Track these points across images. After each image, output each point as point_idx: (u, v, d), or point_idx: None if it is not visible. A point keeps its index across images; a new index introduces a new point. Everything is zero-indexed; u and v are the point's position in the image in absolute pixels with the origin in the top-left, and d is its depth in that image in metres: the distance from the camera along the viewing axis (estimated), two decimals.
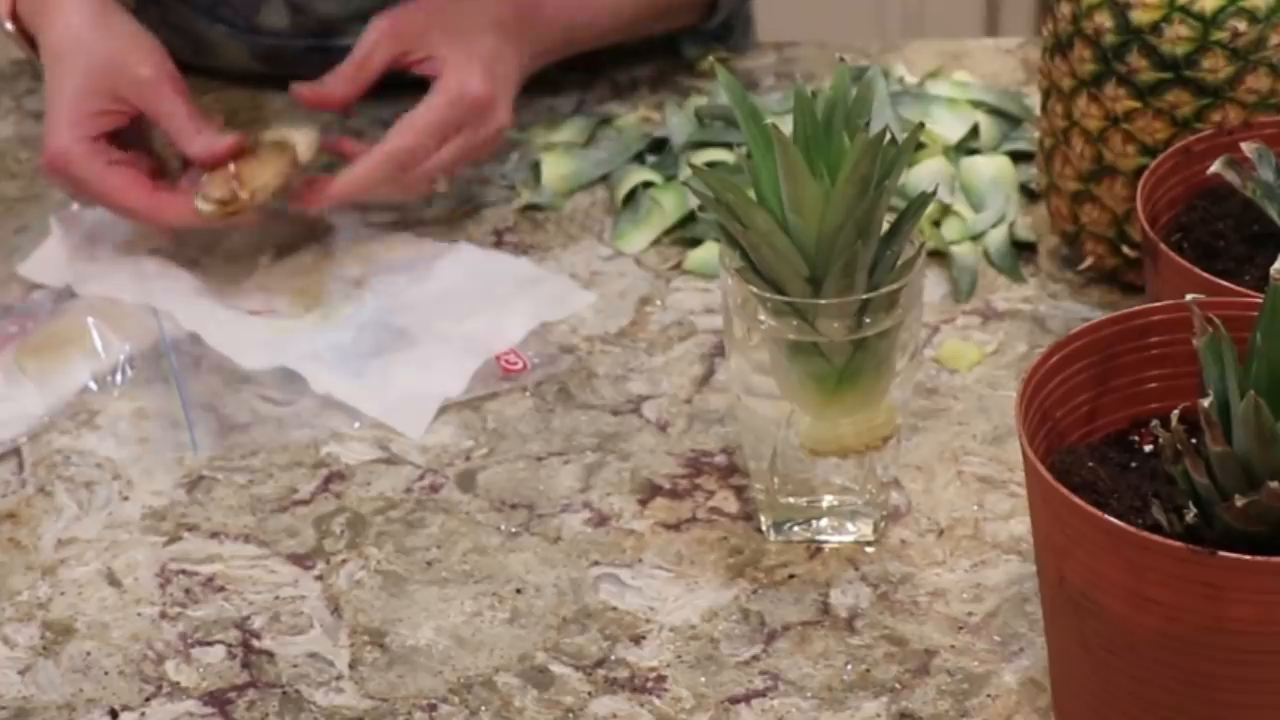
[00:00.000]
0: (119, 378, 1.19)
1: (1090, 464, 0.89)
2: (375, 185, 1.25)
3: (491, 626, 1.00)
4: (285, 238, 1.30)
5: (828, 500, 1.04)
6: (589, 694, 0.96)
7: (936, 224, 1.27)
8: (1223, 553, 0.78)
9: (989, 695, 0.95)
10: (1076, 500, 0.82)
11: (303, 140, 1.25)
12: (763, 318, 0.98)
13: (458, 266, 1.27)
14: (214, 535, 1.07)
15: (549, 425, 1.14)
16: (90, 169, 1.23)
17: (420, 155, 1.25)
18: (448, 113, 1.25)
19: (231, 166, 1.22)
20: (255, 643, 1.00)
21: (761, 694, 0.96)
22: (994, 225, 1.27)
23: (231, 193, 1.20)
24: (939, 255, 1.25)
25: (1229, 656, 0.81)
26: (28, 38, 1.31)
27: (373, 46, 1.29)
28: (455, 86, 1.26)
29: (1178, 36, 1.12)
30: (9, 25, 1.31)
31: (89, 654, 1.00)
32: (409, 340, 1.20)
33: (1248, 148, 1.04)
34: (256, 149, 1.24)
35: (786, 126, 0.94)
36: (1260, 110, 1.13)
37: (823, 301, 0.96)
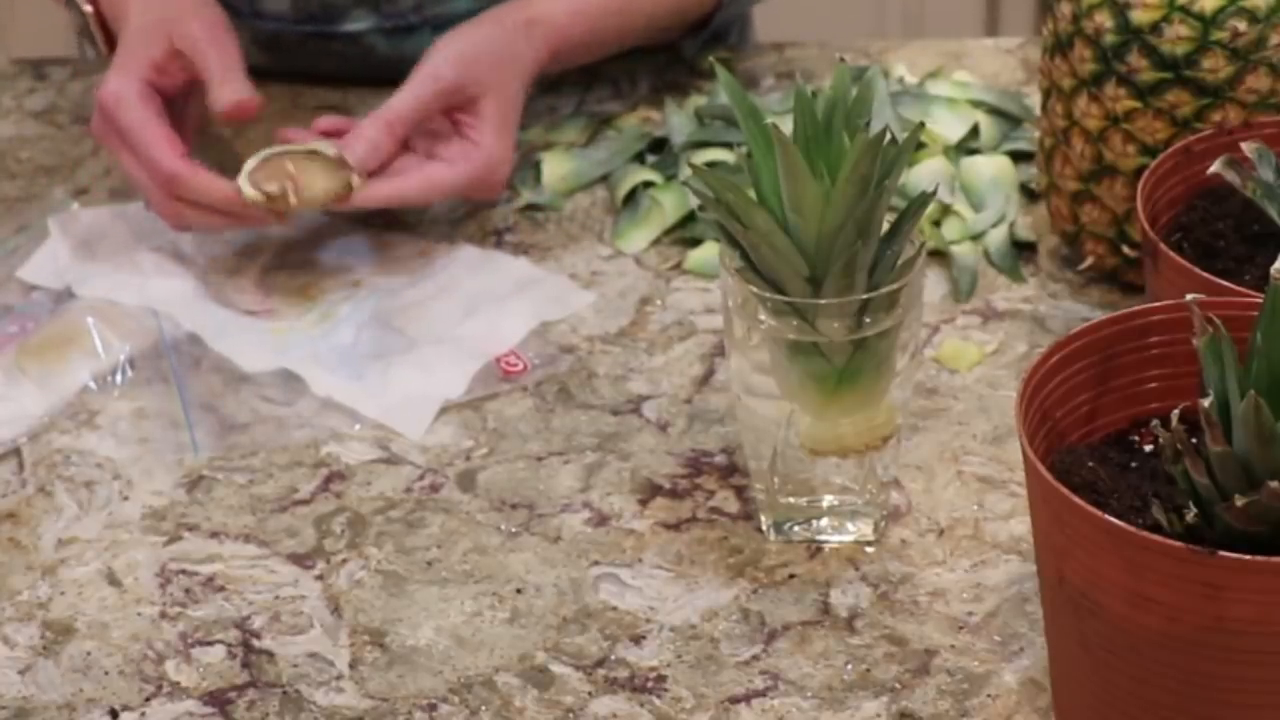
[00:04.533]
0: (119, 378, 1.19)
1: (1090, 464, 0.89)
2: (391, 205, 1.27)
3: (491, 626, 1.00)
4: (284, 238, 1.30)
5: (828, 500, 1.04)
6: (589, 694, 0.96)
7: (936, 224, 1.27)
8: (1223, 553, 0.79)
9: (989, 695, 0.95)
10: (1076, 500, 0.82)
11: (356, 171, 1.25)
12: (763, 318, 0.98)
13: (457, 266, 1.27)
14: (214, 535, 1.07)
15: (549, 425, 1.14)
16: (137, 113, 1.22)
17: (429, 201, 1.28)
18: (474, 177, 1.26)
19: (290, 167, 1.21)
20: (255, 643, 1.00)
21: (761, 694, 0.96)
22: (994, 225, 1.27)
23: (283, 191, 1.20)
24: (939, 255, 1.25)
25: (1229, 656, 0.81)
26: (103, 23, 1.32)
27: (425, 100, 1.27)
28: (491, 159, 1.26)
29: (1178, 36, 1.12)
30: (87, 6, 1.32)
31: (89, 654, 1.00)
32: (409, 341, 1.20)
33: (1248, 148, 1.04)
34: (315, 157, 1.23)
35: (786, 126, 0.94)
36: (1260, 110, 1.13)
37: (823, 301, 0.96)
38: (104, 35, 1.33)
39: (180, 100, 1.27)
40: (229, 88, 1.24)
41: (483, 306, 1.22)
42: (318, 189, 1.21)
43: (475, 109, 1.27)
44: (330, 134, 1.27)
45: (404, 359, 1.18)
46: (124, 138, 1.23)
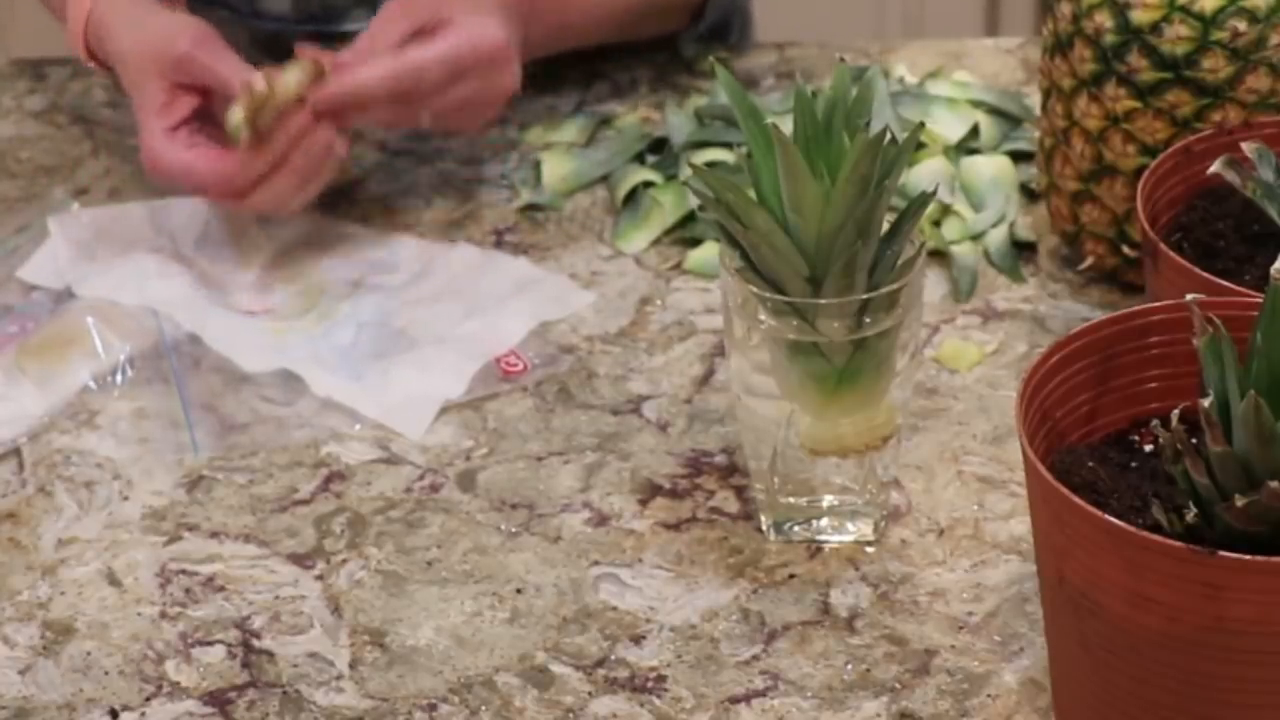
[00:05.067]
0: (119, 378, 1.19)
1: (1090, 464, 0.89)
2: (375, 96, 1.24)
3: (491, 626, 1.00)
4: (284, 238, 1.30)
5: (828, 500, 1.04)
6: (589, 694, 0.96)
7: (936, 224, 1.27)
8: (1223, 553, 0.79)
9: (989, 695, 0.95)
10: (1076, 500, 0.82)
11: (327, 59, 1.25)
12: (763, 318, 0.98)
13: (457, 266, 1.27)
14: (214, 535, 1.07)
15: (549, 425, 1.14)
16: (175, 160, 1.24)
17: (427, 87, 1.24)
18: (461, 52, 1.24)
19: (263, 73, 1.23)
20: (255, 643, 1.00)
21: (761, 694, 0.96)
22: (994, 225, 1.27)
23: (261, 92, 1.21)
24: (939, 255, 1.25)
25: (1229, 656, 0.81)
26: (106, 67, 1.32)
27: (384, 24, 1.27)
28: (472, 30, 1.24)
29: (1178, 36, 1.12)
30: (89, 64, 1.33)
31: (89, 654, 1.00)
32: (409, 341, 1.20)
33: (1248, 148, 1.04)
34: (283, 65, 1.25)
35: (786, 126, 0.94)
36: (1260, 110, 1.13)
37: (823, 301, 0.96)
38: (94, 59, 1.33)
39: (210, 99, 1.28)
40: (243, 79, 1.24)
41: (483, 306, 1.22)
42: (292, 78, 1.23)
43: (446, 23, 1.25)
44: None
45: (404, 359, 1.18)
46: (179, 180, 1.25)
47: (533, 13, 1.32)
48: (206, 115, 1.27)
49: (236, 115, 1.22)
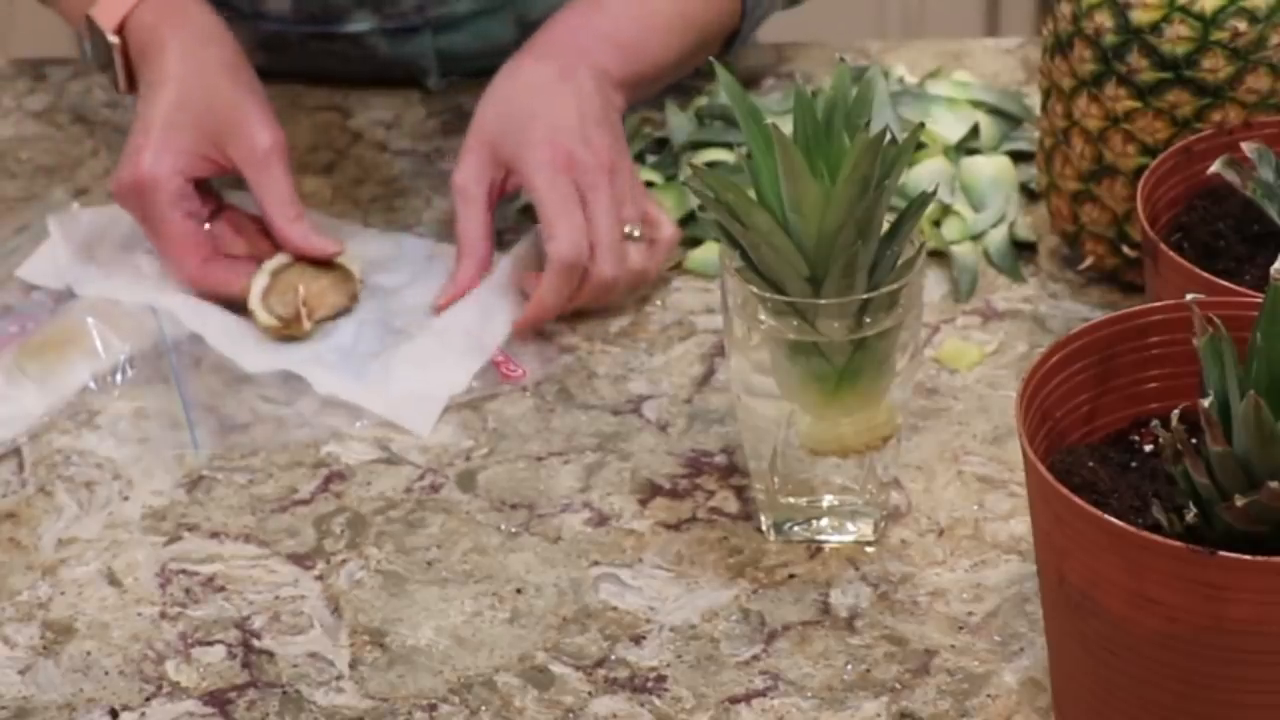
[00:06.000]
0: (119, 378, 1.19)
1: (1090, 464, 0.89)
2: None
3: (491, 626, 1.00)
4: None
5: (828, 500, 1.04)
6: (589, 694, 0.96)
7: (936, 224, 1.27)
8: (1223, 553, 0.79)
9: (989, 695, 0.95)
10: (1076, 500, 0.82)
11: (356, 263, 1.25)
12: (763, 318, 0.98)
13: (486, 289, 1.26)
14: (214, 535, 1.07)
15: (549, 425, 1.14)
16: (169, 211, 1.21)
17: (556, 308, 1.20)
18: (561, 281, 1.19)
19: (301, 290, 1.21)
20: (255, 643, 1.00)
21: (761, 694, 0.96)
22: (994, 225, 1.27)
23: (297, 314, 1.21)
24: (939, 255, 1.25)
25: (1229, 656, 0.81)
26: (125, 57, 1.28)
27: (471, 209, 1.23)
28: (554, 259, 1.18)
29: (1178, 36, 1.12)
30: (113, 38, 1.27)
31: (89, 654, 1.00)
32: (408, 339, 1.20)
33: (1248, 148, 1.04)
34: (322, 269, 1.24)
35: (786, 126, 0.94)
36: (1260, 110, 1.13)
37: (823, 301, 0.96)
38: (126, 73, 1.28)
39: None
40: (297, 229, 1.22)
41: (477, 301, 1.22)
42: (330, 302, 1.23)
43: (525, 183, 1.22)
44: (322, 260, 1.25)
45: (403, 354, 1.18)
46: (146, 220, 1.22)
47: (601, 59, 1.27)
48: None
49: (266, 320, 1.20)
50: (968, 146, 1.33)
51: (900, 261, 0.98)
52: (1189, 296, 0.84)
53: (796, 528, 1.05)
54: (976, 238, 1.27)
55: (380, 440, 1.14)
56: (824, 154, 0.95)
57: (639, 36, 1.30)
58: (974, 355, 1.18)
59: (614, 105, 1.26)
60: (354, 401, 1.15)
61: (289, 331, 1.20)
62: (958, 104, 1.36)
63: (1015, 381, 1.14)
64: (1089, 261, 1.21)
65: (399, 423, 1.14)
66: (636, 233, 1.21)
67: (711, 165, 1.28)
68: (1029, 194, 1.30)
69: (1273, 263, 0.82)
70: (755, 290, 0.97)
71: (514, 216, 1.32)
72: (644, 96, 1.34)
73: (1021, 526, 1.05)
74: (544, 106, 1.22)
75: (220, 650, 1.00)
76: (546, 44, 1.28)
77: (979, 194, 1.29)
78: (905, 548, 1.04)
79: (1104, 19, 1.13)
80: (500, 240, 1.30)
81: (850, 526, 1.05)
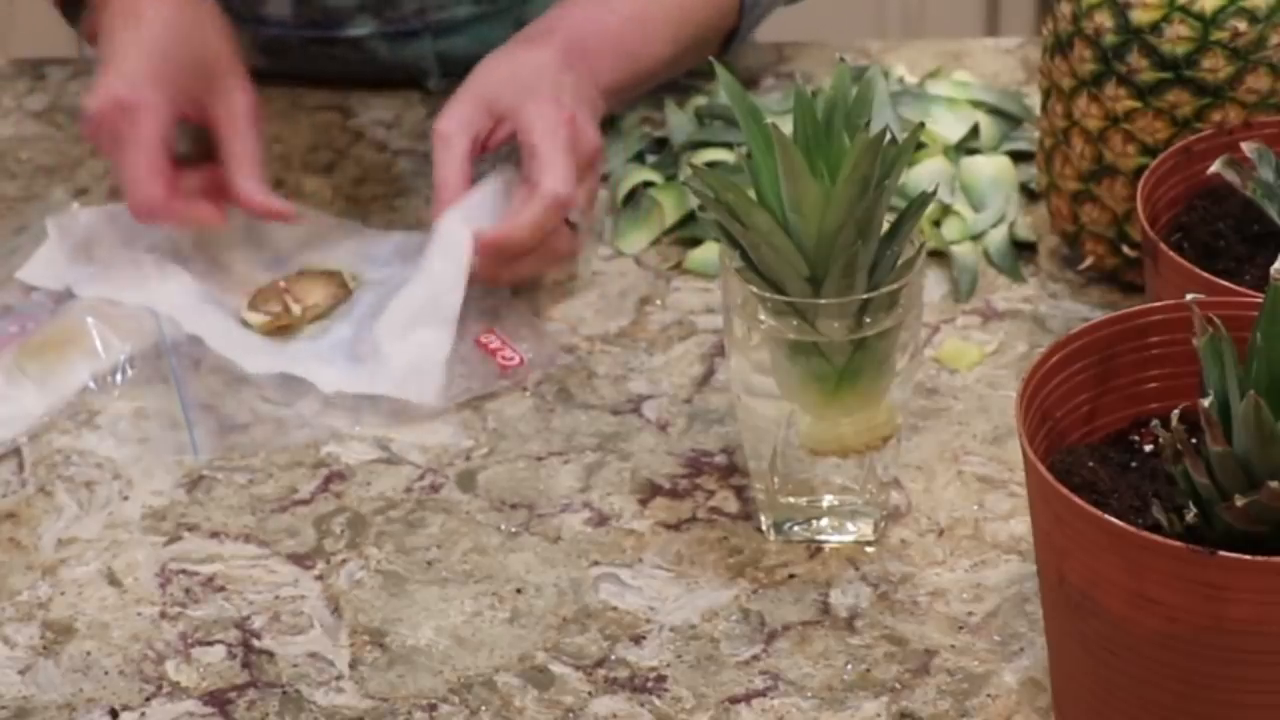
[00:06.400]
0: (119, 378, 1.19)
1: (1090, 464, 0.89)
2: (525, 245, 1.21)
3: (491, 626, 1.00)
4: (283, 239, 1.29)
5: (828, 500, 1.04)
6: (589, 694, 0.96)
7: (936, 224, 1.27)
8: (1223, 553, 0.79)
9: (989, 695, 0.95)
10: (1076, 500, 0.82)
11: (346, 267, 1.26)
12: (763, 318, 0.98)
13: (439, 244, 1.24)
14: (214, 535, 1.07)
15: (549, 425, 1.14)
16: (152, 136, 1.20)
17: (520, 249, 1.20)
18: (545, 216, 1.20)
19: (282, 283, 1.22)
20: (255, 643, 1.00)
21: (761, 694, 0.96)
22: (994, 225, 1.27)
23: (284, 306, 1.21)
24: (939, 255, 1.25)
25: (1229, 656, 0.81)
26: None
27: (451, 154, 1.23)
28: (549, 191, 1.19)
29: (1178, 36, 1.12)
30: None
31: (89, 654, 1.00)
32: (381, 311, 1.19)
33: (1248, 148, 1.04)
34: (302, 274, 1.25)
35: (786, 126, 0.94)
36: (1260, 110, 1.13)
37: (823, 301, 0.96)
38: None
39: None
40: (254, 184, 1.22)
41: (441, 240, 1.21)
42: (318, 296, 1.23)
43: (518, 132, 1.22)
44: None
45: (384, 329, 1.17)
46: (123, 145, 1.21)
47: (583, 56, 1.28)
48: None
49: (256, 319, 1.21)
50: (968, 146, 1.33)
51: (900, 261, 0.98)
52: (1189, 296, 0.84)
53: (796, 528, 1.05)
54: (976, 238, 1.27)
55: (380, 440, 1.14)
56: (824, 154, 0.95)
57: (639, 32, 1.31)
58: (974, 355, 1.18)
59: (598, 110, 1.28)
60: (360, 390, 1.15)
61: (281, 324, 1.20)
62: (958, 104, 1.36)
63: (1015, 381, 1.14)
64: (1089, 261, 1.21)
65: (408, 397, 1.13)
66: (578, 221, 1.23)
67: (711, 165, 1.28)
68: (1029, 194, 1.30)
69: (1273, 263, 0.82)
70: (755, 290, 0.97)
71: None
72: (638, 93, 1.36)
73: (1021, 526, 1.05)
74: (548, 84, 1.24)
75: (220, 650, 1.00)
76: (549, 34, 1.28)
77: (979, 194, 1.29)
78: (905, 548, 1.04)
79: (1104, 19, 1.13)
80: None
81: (850, 526, 1.05)
